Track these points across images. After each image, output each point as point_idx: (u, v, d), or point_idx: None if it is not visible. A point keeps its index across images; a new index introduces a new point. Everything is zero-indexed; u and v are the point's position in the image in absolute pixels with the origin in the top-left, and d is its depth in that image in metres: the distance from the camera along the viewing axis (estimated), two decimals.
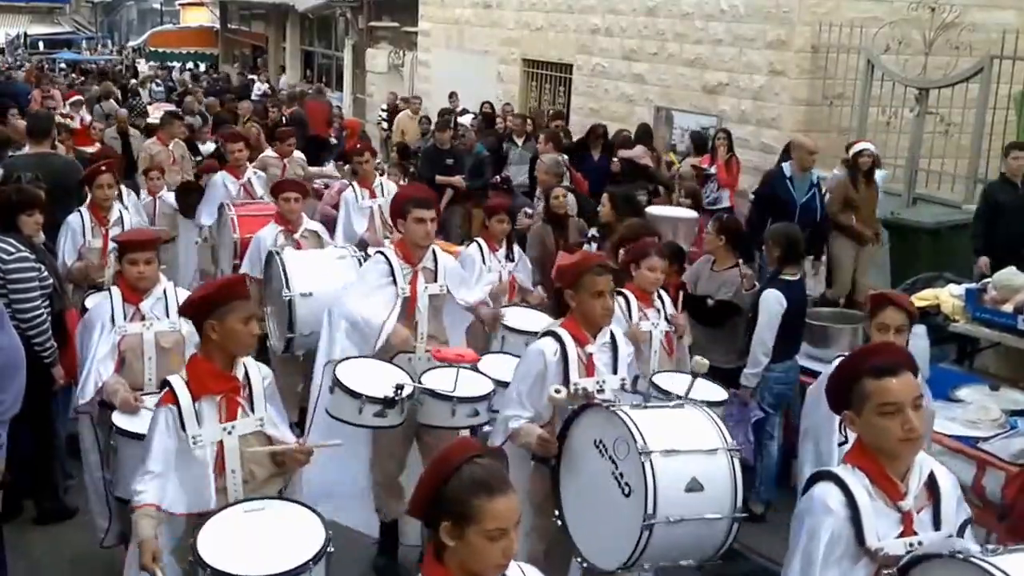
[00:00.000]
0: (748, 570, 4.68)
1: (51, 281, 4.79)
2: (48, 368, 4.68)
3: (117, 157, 7.95)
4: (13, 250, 4.61)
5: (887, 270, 8.02)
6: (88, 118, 12.44)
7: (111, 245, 5.30)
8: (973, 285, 5.98)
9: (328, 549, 2.91)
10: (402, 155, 11.38)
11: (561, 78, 13.92)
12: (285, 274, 5.28)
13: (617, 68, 12.56)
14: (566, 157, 8.84)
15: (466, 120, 12.32)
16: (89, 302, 4.79)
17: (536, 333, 4.10)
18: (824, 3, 9.93)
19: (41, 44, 36.32)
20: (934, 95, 8.95)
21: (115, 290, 4.26)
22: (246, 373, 3.33)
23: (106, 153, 8.05)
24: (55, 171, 6.53)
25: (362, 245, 6.66)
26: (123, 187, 6.83)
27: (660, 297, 4.83)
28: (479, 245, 5.89)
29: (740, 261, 5.66)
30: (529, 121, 11.33)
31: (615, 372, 3.81)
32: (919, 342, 5.44)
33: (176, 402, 3.20)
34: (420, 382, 4.13)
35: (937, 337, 5.61)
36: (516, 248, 6.06)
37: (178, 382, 3.25)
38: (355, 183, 7.37)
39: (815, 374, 5.46)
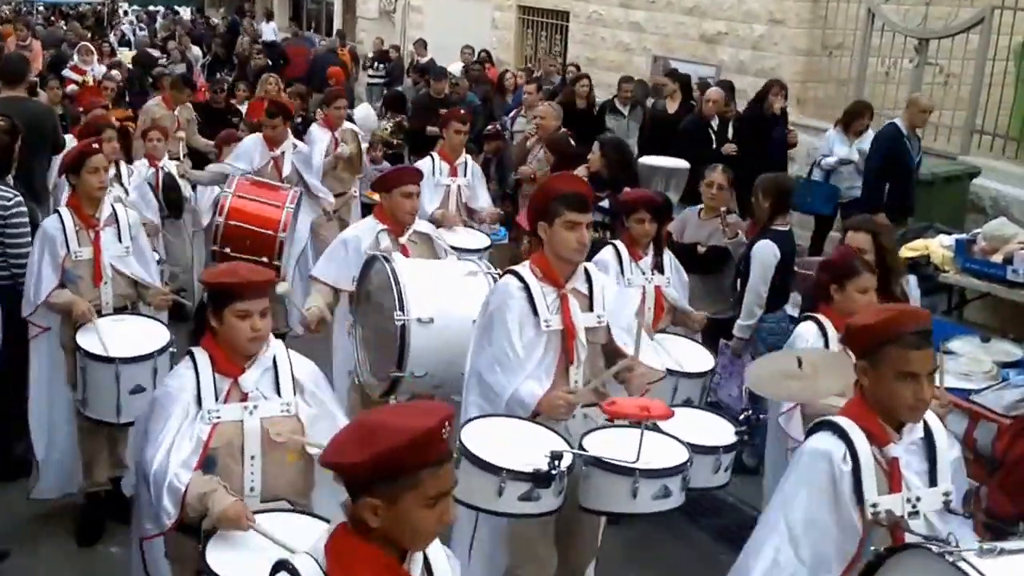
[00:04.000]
0: (740, 522, 4.67)
1: None
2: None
3: (122, 124, 7.24)
4: (11, 195, 4.65)
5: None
6: (100, 70, 10.91)
7: (107, 253, 4.31)
8: (963, 236, 5.93)
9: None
10: (392, 106, 11.21)
11: (557, 26, 13.67)
12: (399, 290, 3.78)
13: (614, 16, 12.33)
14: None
15: (456, 69, 12.11)
16: (171, 378, 3.06)
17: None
18: None
19: None
20: (934, 45, 8.81)
21: (202, 355, 2.96)
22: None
23: (99, 121, 6.54)
24: (29, 117, 6.08)
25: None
26: (122, 167, 6.22)
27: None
28: (616, 249, 4.62)
29: (724, 208, 5.60)
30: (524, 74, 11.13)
31: (933, 484, 2.61)
32: (909, 291, 5.42)
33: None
34: (582, 447, 3.05)
35: (926, 288, 5.58)
36: (668, 257, 4.81)
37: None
38: (435, 154, 6.44)
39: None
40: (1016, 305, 5.46)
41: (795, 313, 5.47)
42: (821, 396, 3.26)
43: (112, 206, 4.44)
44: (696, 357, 4.55)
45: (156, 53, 15.03)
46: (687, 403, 4.15)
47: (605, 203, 6.20)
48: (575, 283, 3.37)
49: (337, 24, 19.94)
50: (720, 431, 3.50)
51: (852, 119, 7.60)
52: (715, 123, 7.95)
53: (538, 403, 3.20)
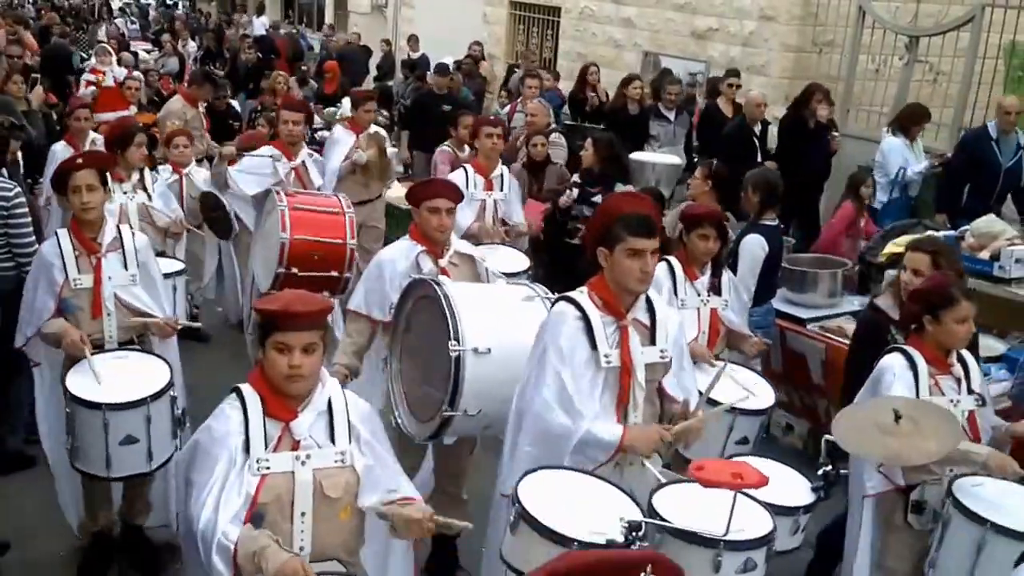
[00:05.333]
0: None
1: None
2: None
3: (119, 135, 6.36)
4: (11, 186, 4.70)
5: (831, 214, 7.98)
6: (122, 72, 9.90)
7: (110, 283, 3.84)
8: (951, 232, 5.98)
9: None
10: (380, 103, 11.15)
11: (548, 21, 13.70)
12: (454, 317, 3.35)
13: (605, 12, 12.37)
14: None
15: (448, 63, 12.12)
16: (216, 419, 2.65)
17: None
18: None
19: None
20: (924, 43, 8.85)
21: (251, 395, 2.62)
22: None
23: (127, 124, 5.90)
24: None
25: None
26: (146, 173, 5.58)
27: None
28: (670, 267, 4.24)
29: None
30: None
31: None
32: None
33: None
34: (654, 510, 2.68)
35: None
36: (727, 275, 4.44)
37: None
38: (468, 166, 5.89)
39: (793, 318, 5.51)
40: (1000, 300, 5.50)
41: (783, 307, 5.55)
42: (921, 459, 3.01)
43: (117, 228, 3.95)
44: (756, 390, 3.94)
45: (148, 46, 14.96)
46: (743, 441, 3.83)
47: (599, 198, 6.23)
48: (636, 313, 3.01)
49: (329, 18, 19.93)
50: (795, 486, 3.18)
51: (911, 123, 7.31)
52: (758, 128, 7.73)
53: (623, 438, 2.86)
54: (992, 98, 8.29)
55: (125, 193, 5.44)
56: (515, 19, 14.42)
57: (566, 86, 10.53)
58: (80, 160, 3.86)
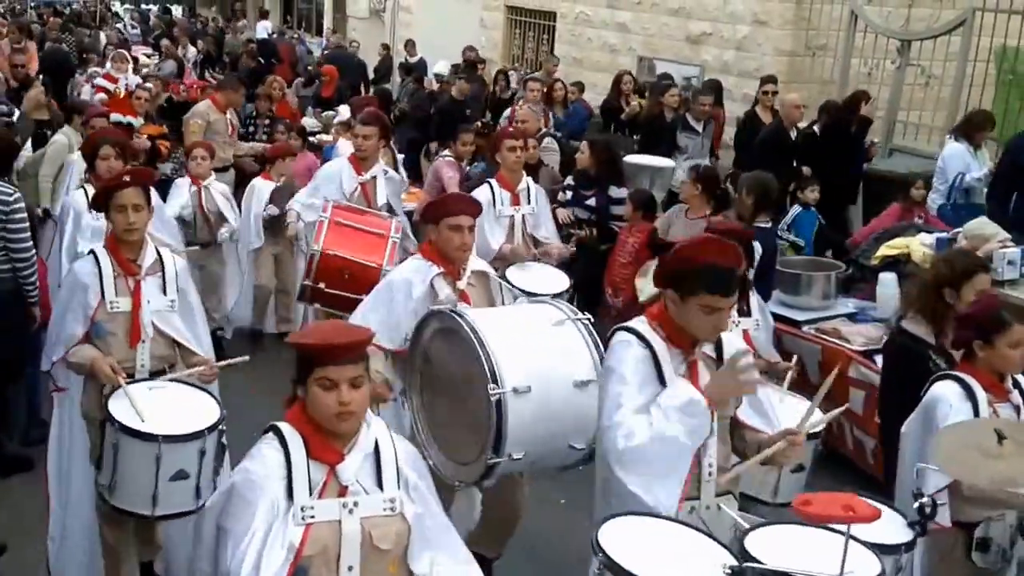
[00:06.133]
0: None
1: None
2: (29, 307, 4.77)
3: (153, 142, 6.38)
4: (11, 191, 4.74)
5: (859, 219, 8.07)
6: (133, 81, 9.53)
7: (148, 307, 3.55)
8: (944, 234, 6.05)
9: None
10: (382, 105, 11.14)
11: (544, 26, 13.78)
12: (489, 356, 3.10)
13: (601, 17, 12.44)
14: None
15: (443, 68, 12.20)
16: (253, 461, 2.38)
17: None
18: None
19: None
20: (916, 47, 8.94)
21: (293, 435, 2.36)
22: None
23: (120, 141, 5.02)
24: None
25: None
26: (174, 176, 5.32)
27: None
28: None
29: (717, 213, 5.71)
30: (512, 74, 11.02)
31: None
32: (887, 290, 5.55)
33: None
34: (748, 554, 2.46)
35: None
36: (755, 296, 4.31)
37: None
38: (493, 180, 5.55)
39: (788, 321, 5.58)
40: None
41: (778, 309, 5.61)
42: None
43: (157, 250, 3.66)
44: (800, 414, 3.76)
45: (149, 51, 15.01)
46: (799, 469, 3.70)
47: (592, 201, 6.32)
48: (703, 345, 2.77)
49: (327, 23, 20.02)
50: (887, 520, 2.85)
51: (974, 129, 7.15)
52: (793, 134, 7.64)
53: (706, 392, 2.62)
54: (983, 101, 8.39)
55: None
56: (511, 24, 14.51)
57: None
58: (127, 177, 3.57)
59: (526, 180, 5.57)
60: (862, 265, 6.13)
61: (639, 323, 2.78)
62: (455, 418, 3.27)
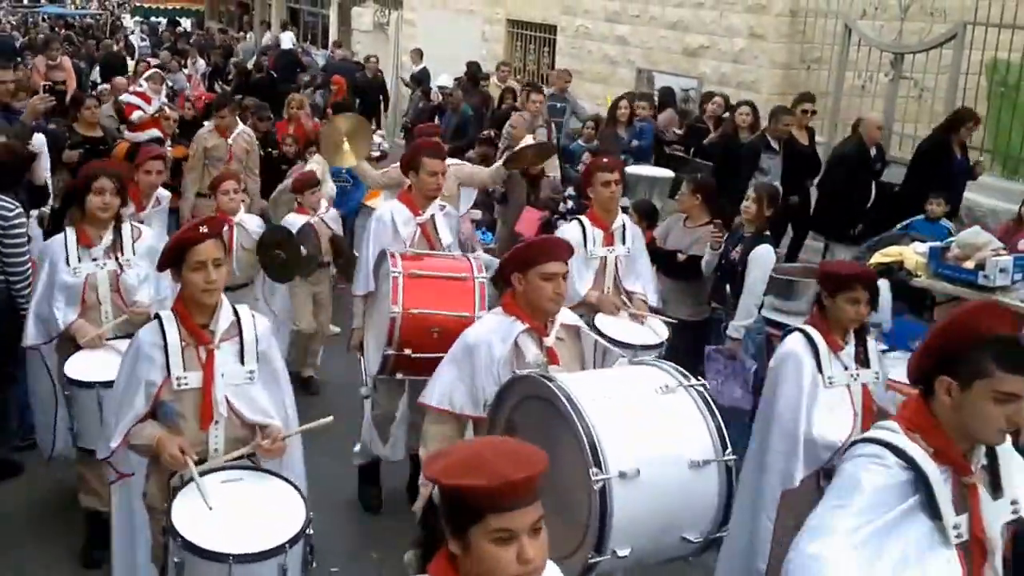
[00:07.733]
0: None
1: None
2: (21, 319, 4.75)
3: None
4: (12, 207, 4.78)
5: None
6: (163, 101, 9.07)
7: (222, 380, 3.03)
8: (937, 244, 6.20)
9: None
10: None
11: (545, 39, 13.99)
12: (592, 436, 2.64)
13: (600, 30, 12.65)
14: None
15: (446, 80, 12.39)
16: None
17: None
18: None
19: None
20: (909, 60, 9.11)
21: None
22: None
23: (118, 174, 4.25)
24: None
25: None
26: (125, 233, 4.18)
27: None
28: (808, 339, 3.49)
29: (714, 221, 5.84)
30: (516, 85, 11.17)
31: None
32: (882, 296, 5.69)
33: None
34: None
35: (897, 292, 5.84)
36: (872, 342, 3.77)
37: None
38: (584, 218, 4.91)
39: (780, 326, 5.70)
40: None
41: (771, 315, 5.76)
42: None
43: (235, 309, 3.09)
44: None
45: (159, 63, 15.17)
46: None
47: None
48: (978, 456, 2.25)
49: (333, 35, 20.26)
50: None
51: (959, 124, 7.18)
52: (873, 151, 7.68)
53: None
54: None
55: (94, 260, 4.12)
56: (513, 37, 14.72)
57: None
58: (204, 228, 2.99)
59: (622, 218, 4.97)
60: None
61: (889, 434, 2.24)
62: (544, 502, 2.90)
